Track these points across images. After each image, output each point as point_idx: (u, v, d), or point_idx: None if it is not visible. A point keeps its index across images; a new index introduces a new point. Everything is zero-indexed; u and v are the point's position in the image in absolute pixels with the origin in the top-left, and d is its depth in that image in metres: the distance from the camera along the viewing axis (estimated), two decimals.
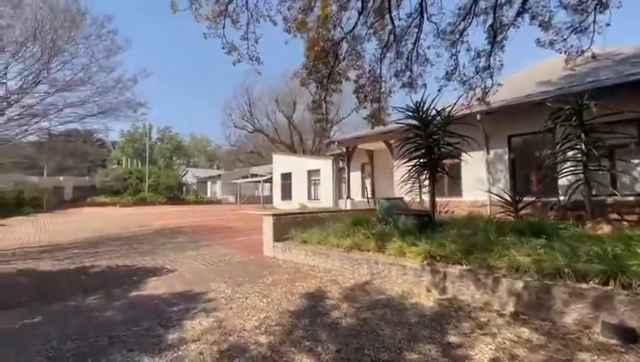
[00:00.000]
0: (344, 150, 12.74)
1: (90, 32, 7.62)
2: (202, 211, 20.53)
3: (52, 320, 3.42)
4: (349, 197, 12.77)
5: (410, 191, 9.02)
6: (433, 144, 6.50)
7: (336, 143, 12.07)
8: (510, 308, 3.29)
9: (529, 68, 12.52)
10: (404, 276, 4.22)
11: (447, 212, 8.55)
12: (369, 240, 5.23)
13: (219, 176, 40.09)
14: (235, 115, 32.47)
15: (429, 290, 3.93)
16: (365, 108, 6.49)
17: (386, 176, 13.58)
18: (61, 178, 28.99)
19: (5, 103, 6.67)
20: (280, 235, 6.45)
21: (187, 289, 4.38)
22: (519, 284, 3.28)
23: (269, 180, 22.94)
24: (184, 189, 38.54)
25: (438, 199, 8.76)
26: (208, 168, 61.07)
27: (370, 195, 14.16)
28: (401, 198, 7.85)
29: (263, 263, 5.85)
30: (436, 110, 6.51)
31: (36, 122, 7.77)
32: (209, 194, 39.57)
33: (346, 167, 13.14)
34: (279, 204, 19.62)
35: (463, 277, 3.67)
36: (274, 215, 6.51)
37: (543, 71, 10.73)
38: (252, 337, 2.88)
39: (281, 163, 20.30)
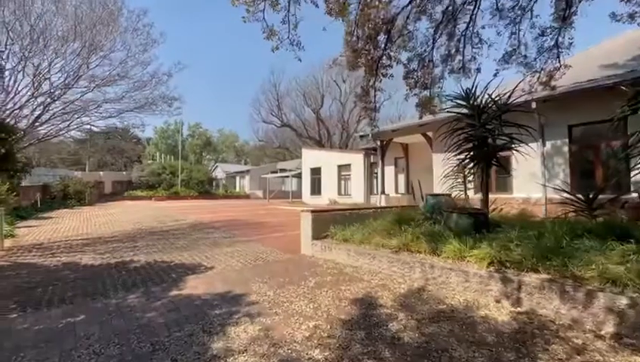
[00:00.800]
0: (378, 144, 12.19)
1: (127, 26, 7.63)
2: (233, 206, 20.76)
3: (95, 319, 3.29)
4: (383, 192, 12.23)
5: (453, 186, 8.41)
6: (488, 134, 5.87)
7: (370, 136, 11.55)
8: (609, 329, 2.73)
9: (589, 49, 11.29)
10: (466, 283, 3.74)
11: (494, 210, 7.85)
12: (419, 241, 4.76)
13: (247, 171, 40.67)
14: (263, 110, 32.62)
15: (498, 301, 3.43)
16: (415, 95, 5.94)
17: (422, 170, 12.89)
18: (101, 173, 30.57)
19: (49, 99, 6.82)
20: (319, 233, 6.12)
21: (227, 289, 4.15)
22: (622, 301, 2.71)
23: (298, 175, 22.77)
24: (214, 184, 39.45)
25: (481, 196, 8.07)
26: (236, 163, 62.35)
27: (408, 191, 13.53)
28: (449, 195, 7.25)
29: (302, 262, 5.54)
30: (490, 96, 5.87)
31: (77, 117, 7.94)
32: (237, 189, 40.26)
33: (379, 162, 12.58)
34: (308, 199, 19.39)
35: (544, 288, 3.13)
36: (313, 211, 6.18)
37: (607, 52, 9.58)
38: (305, 351, 2.55)
39: (311, 158, 20.02)
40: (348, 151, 18.54)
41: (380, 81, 5.65)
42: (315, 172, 19.40)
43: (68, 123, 8.04)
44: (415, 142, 12.99)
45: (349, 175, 17.15)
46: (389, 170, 14.88)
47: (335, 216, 6.51)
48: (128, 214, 14.88)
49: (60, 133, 8.66)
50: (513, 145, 6.19)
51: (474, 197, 8.30)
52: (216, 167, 48.25)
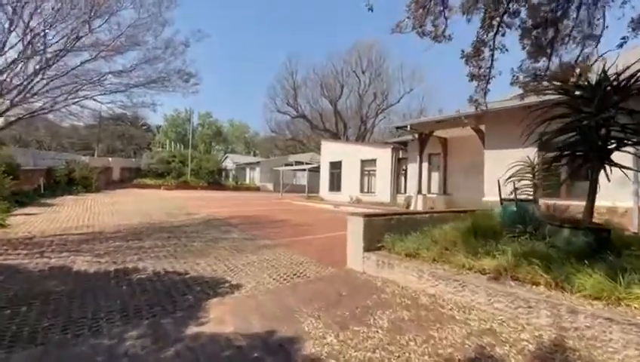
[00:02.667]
0: (416, 137, 10.77)
1: None
2: (245, 199, 19.60)
3: None
4: (420, 192, 10.86)
5: (518, 189, 7.00)
6: (602, 124, 4.46)
7: (408, 127, 10.18)
8: None
9: None
10: None
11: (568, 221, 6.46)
12: (528, 266, 3.44)
13: (258, 163, 39.53)
14: (278, 100, 31.24)
15: None
16: (538, 61, 4.51)
17: (465, 169, 11.47)
18: (110, 159, 29.71)
19: (43, 63, 5.66)
20: (371, 243, 4.83)
21: (268, 328, 2.88)
22: None
23: (315, 169, 21.47)
24: (223, 174, 38.41)
25: (550, 201, 6.69)
26: (246, 155, 61.33)
27: (444, 191, 12.12)
28: (534, 201, 5.87)
29: (355, 283, 4.26)
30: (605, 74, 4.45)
31: (77, 89, 6.77)
32: (247, 181, 39.18)
33: (415, 158, 11.22)
34: (326, 195, 18.11)
35: None
36: (366, 215, 4.87)
37: None
38: None
39: (330, 150, 18.69)
40: (373, 145, 17.16)
41: (503, 35, 4.14)
42: (335, 166, 18.07)
43: (66, 96, 6.88)
44: (456, 136, 11.55)
45: (374, 171, 15.79)
46: (416, 168, 13.46)
47: (389, 221, 5.19)
48: (136, 204, 13.79)
49: (56, 106, 7.51)
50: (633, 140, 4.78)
51: (544, 202, 6.89)
52: (226, 157, 47.24)
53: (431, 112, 32.70)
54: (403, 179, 15.00)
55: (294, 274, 4.53)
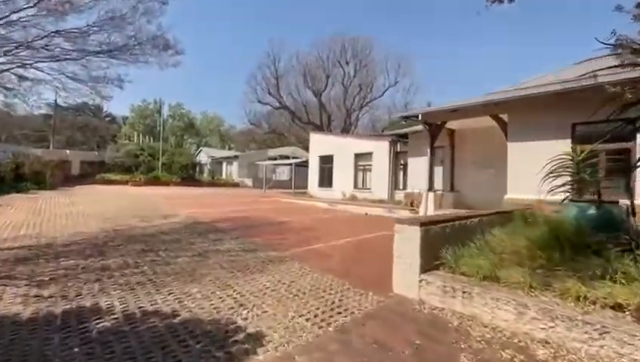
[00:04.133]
0: (426, 128, 9.69)
1: None
2: (227, 196, 17.89)
3: None
4: (430, 189, 9.85)
5: (554, 187, 6.06)
6: None
7: (419, 117, 9.10)
8: None
9: None
10: None
11: None
12: None
13: (235, 156, 37.45)
14: (260, 89, 29.19)
15: None
16: None
17: (478, 163, 10.60)
18: (67, 151, 26.59)
19: None
20: (427, 260, 3.63)
21: None
22: None
23: (303, 164, 20.11)
24: (197, 169, 35.92)
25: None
26: (220, 149, 58.48)
27: (451, 188, 11.20)
28: (617, 202, 4.90)
29: (421, 321, 3.04)
30: None
31: (7, 51, 5.01)
32: (224, 176, 37.01)
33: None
34: (316, 192, 16.83)
35: None
36: (422, 223, 3.65)
37: None
38: None
39: (320, 144, 17.37)
40: (369, 138, 16.06)
41: None
42: (326, 160, 16.80)
43: None
44: (466, 127, 10.64)
45: (369, 165, 14.68)
46: (423, 162, 12.50)
47: (444, 229, 4.01)
48: (99, 204, 11.79)
49: None
50: None
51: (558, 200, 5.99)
52: (200, 151, 44.56)
53: (417, 106, 32.21)
54: (401, 174, 14.03)
55: (331, 309, 3.23)
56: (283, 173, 36.01)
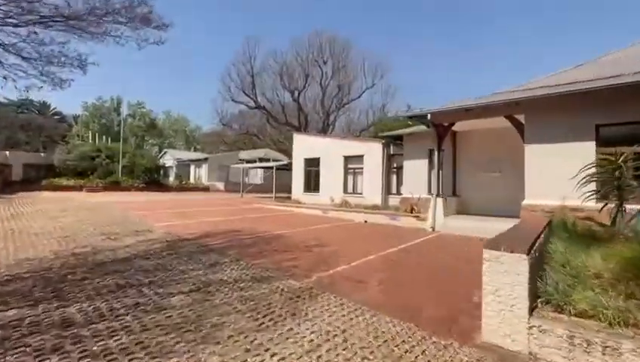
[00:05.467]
0: (432, 129, 9.00)
1: None
2: (202, 203, 16.19)
3: None
4: (439, 194, 9.16)
5: (590, 194, 5.57)
6: None
7: (428, 117, 8.38)
8: None
9: None
10: None
11: None
12: None
13: (205, 159, 35.20)
14: (234, 87, 27.27)
15: None
16: None
17: (479, 166, 10.11)
18: (7, 153, 23.05)
19: None
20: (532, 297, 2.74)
21: None
22: None
23: (285, 167, 18.86)
24: (161, 173, 33.16)
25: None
26: (185, 150, 55.14)
27: (454, 193, 10.63)
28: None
29: None
30: None
31: None
32: (192, 180, 34.60)
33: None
34: (301, 197, 15.71)
35: None
36: (529, 252, 2.75)
37: None
38: None
39: (305, 145, 16.28)
40: (360, 140, 15.25)
41: None
42: (312, 163, 15.73)
43: None
44: (469, 129, 10.15)
45: (361, 169, 13.85)
46: (419, 165, 11.92)
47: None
48: (49, 217, 9.81)
49: None
50: None
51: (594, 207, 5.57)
52: (165, 153, 41.50)
53: (394, 109, 32.17)
54: (394, 178, 13.35)
55: None
56: (256, 176, 34.38)
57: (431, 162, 11.84)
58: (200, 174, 35.21)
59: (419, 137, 11.90)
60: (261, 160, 25.82)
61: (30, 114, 46.86)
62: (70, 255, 5.25)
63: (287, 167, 19.00)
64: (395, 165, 13.46)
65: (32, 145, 39.60)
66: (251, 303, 3.48)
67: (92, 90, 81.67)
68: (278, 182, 19.80)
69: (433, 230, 8.71)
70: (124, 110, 41.79)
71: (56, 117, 52.15)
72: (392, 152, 13.35)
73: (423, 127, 12.44)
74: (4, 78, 4.97)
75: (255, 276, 4.42)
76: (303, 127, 26.43)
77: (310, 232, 8.15)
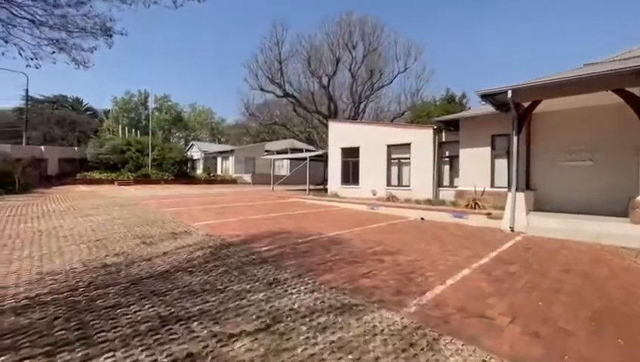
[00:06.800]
0: (513, 110, 7.49)
1: None
2: (233, 196, 15.42)
3: None
4: (528, 187, 7.71)
5: None
6: None
7: (509, 94, 6.89)
8: None
9: None
10: None
11: None
12: None
13: (231, 151, 34.74)
14: (261, 75, 26.05)
15: None
16: None
17: (569, 154, 8.48)
18: (42, 148, 23.39)
19: None
20: None
21: None
22: None
23: (320, 158, 17.75)
24: (189, 165, 33.03)
25: None
26: (210, 143, 55.35)
27: (528, 186, 9.08)
28: None
29: None
30: None
31: None
32: (220, 172, 34.33)
33: (512, 138, 8.15)
34: (339, 190, 14.56)
35: None
36: None
37: None
38: None
39: (342, 134, 15.03)
40: (406, 126, 13.81)
41: None
42: (350, 153, 14.48)
43: None
44: (552, 110, 8.53)
45: (407, 159, 12.47)
46: (480, 154, 10.41)
47: None
48: (80, 214, 9.24)
49: None
50: None
51: None
52: (192, 145, 41.58)
53: (428, 94, 30.09)
54: (450, 168, 11.89)
55: None
56: (282, 168, 33.56)
57: (495, 149, 10.31)
58: (227, 166, 34.89)
59: (480, 121, 10.37)
60: (290, 150, 24.83)
61: (64, 110, 48.43)
62: (101, 266, 4.38)
63: (322, 158, 17.89)
64: (447, 154, 11.98)
65: (67, 140, 40.84)
66: (349, 358, 2.38)
67: (122, 84, 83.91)
68: (301, 173, 18.70)
69: (512, 231, 7.30)
70: (151, 104, 42.12)
71: (88, 112, 53.78)
72: (443, 140, 11.86)
73: (484, 110, 10.87)
74: (21, 50, 4.11)
75: (332, 303, 3.33)
76: (332, 116, 25.07)
77: (368, 234, 7.00)
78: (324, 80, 26.23)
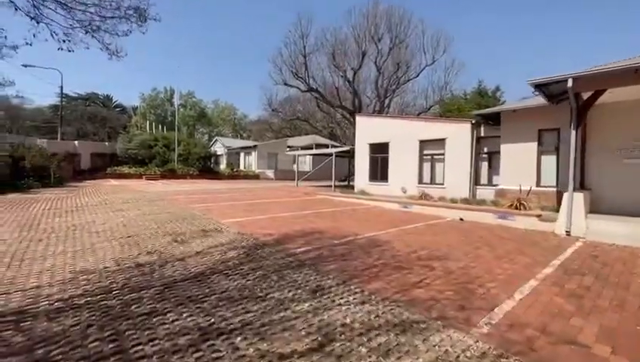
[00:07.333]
0: (573, 101, 6.74)
1: None
2: (261, 192, 15.26)
3: None
4: (582, 187, 6.97)
5: None
6: None
7: (569, 83, 6.15)
8: None
9: None
10: None
11: None
12: None
13: (254, 146, 34.85)
14: (285, 69, 25.71)
15: None
16: None
17: (626, 150, 7.61)
18: (76, 143, 24.26)
19: None
20: None
21: None
22: None
23: (345, 153, 17.30)
24: (212, 160, 33.43)
25: None
26: (233, 138, 55.97)
27: (583, 185, 8.25)
28: None
29: None
30: None
31: None
32: (243, 167, 34.56)
33: (571, 131, 7.41)
34: (366, 187, 14.06)
35: None
36: None
37: None
38: None
39: (370, 129, 14.48)
40: (440, 120, 13.11)
41: None
42: (378, 149, 13.92)
43: None
44: (612, 101, 7.66)
45: (442, 155, 11.78)
46: (524, 150, 9.62)
47: None
48: (112, 209, 9.29)
49: None
50: None
51: None
52: (216, 141, 42.11)
53: (457, 88, 28.75)
54: (488, 165, 11.12)
55: None
56: (304, 164, 33.30)
57: (541, 145, 9.48)
58: (249, 162, 35.07)
59: (525, 114, 9.56)
60: (315, 146, 24.50)
61: (96, 107, 50.47)
62: (134, 266, 4.18)
63: (347, 154, 17.42)
64: (485, 150, 11.20)
65: (98, 135, 42.51)
66: None
67: (148, 81, 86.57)
68: (326, 170, 18.28)
69: (569, 235, 6.58)
70: (177, 100, 42.96)
71: (117, 109, 55.80)
72: (482, 134, 11.10)
73: (529, 102, 10.05)
74: (54, 33, 3.93)
75: (389, 318, 2.92)
76: (357, 111, 24.45)
77: (407, 235, 6.52)
78: (349, 74, 25.58)
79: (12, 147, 14.50)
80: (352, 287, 3.62)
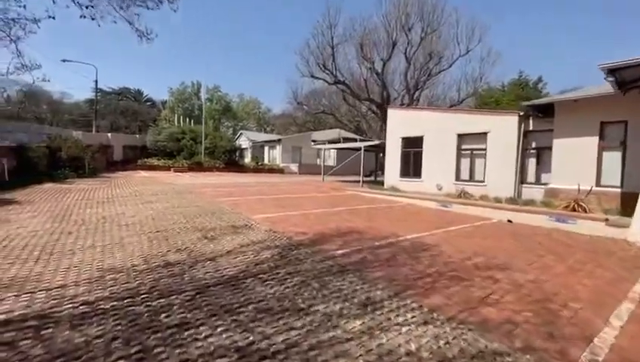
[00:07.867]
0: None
1: None
2: (285, 186, 14.95)
3: None
4: None
5: None
6: None
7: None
8: None
9: None
10: None
11: None
12: None
13: (278, 140, 34.77)
14: (313, 61, 25.15)
15: None
16: None
17: None
18: (109, 135, 25.03)
19: None
20: None
21: None
22: None
23: (376, 148, 16.62)
24: (237, 154, 33.62)
25: None
26: (257, 132, 56.35)
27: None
28: None
29: None
30: None
31: None
32: (267, 161, 34.60)
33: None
34: (397, 183, 13.37)
35: None
36: None
37: None
38: None
39: (403, 122, 13.72)
40: (482, 112, 12.18)
41: None
42: (411, 143, 13.16)
43: None
44: None
45: (482, 150, 10.90)
46: (582, 145, 8.61)
47: None
48: (142, 201, 9.22)
49: None
50: None
51: None
52: (240, 134, 42.43)
53: (492, 80, 27.00)
54: (536, 161, 10.13)
55: None
56: (329, 158, 32.77)
57: (603, 139, 8.45)
58: (274, 156, 35.03)
59: (584, 105, 8.54)
60: (343, 140, 23.89)
61: (128, 101, 52.40)
62: (163, 265, 3.87)
63: (377, 148, 16.74)
64: (533, 145, 10.21)
65: (129, 128, 44.07)
66: None
67: (176, 75, 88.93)
68: (357, 165, 17.68)
69: None
70: (204, 94, 43.58)
71: (148, 103, 57.66)
72: (530, 128, 10.11)
73: (588, 92, 9.00)
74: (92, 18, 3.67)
75: (463, 347, 2.38)
76: (385, 103, 23.55)
77: (455, 238, 5.89)
78: (378, 65, 24.62)
79: (49, 138, 14.99)
80: (408, 302, 3.10)
